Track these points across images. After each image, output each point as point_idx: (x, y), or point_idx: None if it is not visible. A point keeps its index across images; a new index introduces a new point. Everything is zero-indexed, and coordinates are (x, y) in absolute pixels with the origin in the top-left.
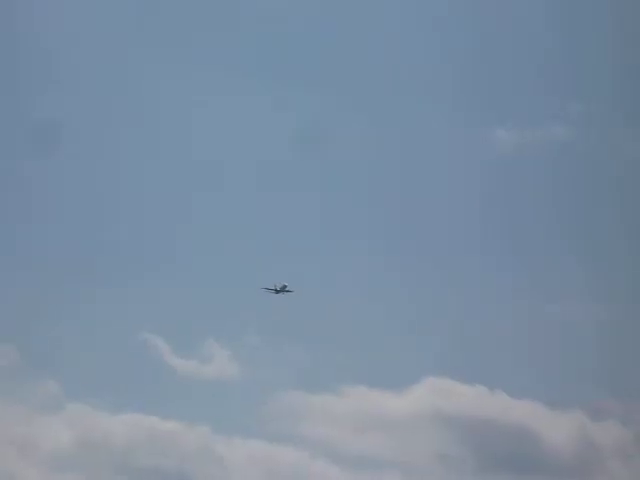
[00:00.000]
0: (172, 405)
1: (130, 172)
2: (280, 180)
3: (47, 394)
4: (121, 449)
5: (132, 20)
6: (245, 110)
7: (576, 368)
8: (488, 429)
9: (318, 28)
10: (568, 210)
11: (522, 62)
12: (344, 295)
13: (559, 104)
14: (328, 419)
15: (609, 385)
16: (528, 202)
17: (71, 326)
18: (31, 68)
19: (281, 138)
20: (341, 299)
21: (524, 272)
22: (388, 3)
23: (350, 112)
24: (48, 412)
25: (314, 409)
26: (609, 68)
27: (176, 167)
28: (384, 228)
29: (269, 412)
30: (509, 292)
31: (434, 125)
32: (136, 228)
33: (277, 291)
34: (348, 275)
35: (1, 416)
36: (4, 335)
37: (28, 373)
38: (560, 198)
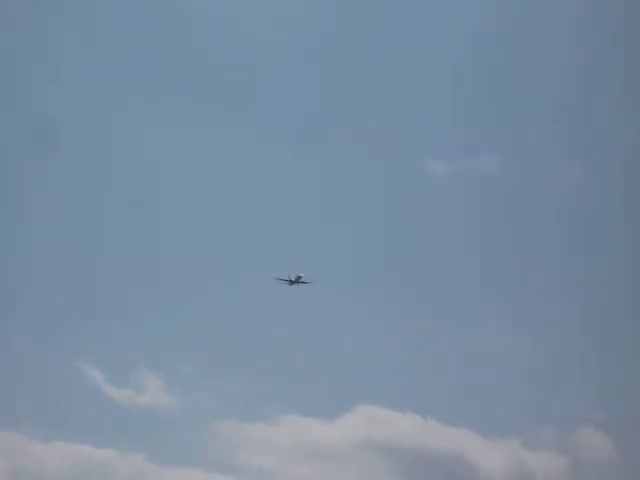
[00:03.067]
0: (106, 434)
1: None
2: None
3: None
4: (54, 477)
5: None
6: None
7: (510, 397)
8: (421, 457)
9: None
10: (496, 240)
11: (454, 93)
12: (277, 324)
13: (489, 133)
14: (263, 448)
15: (543, 414)
16: (457, 231)
17: (4, 354)
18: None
19: None
20: (274, 328)
21: (457, 300)
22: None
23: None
24: None
25: (249, 438)
26: (540, 97)
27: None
28: (320, 258)
29: (204, 441)
30: (441, 321)
31: (367, 158)
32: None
33: (292, 282)
34: (280, 304)
35: None
36: None
37: None
38: (488, 227)
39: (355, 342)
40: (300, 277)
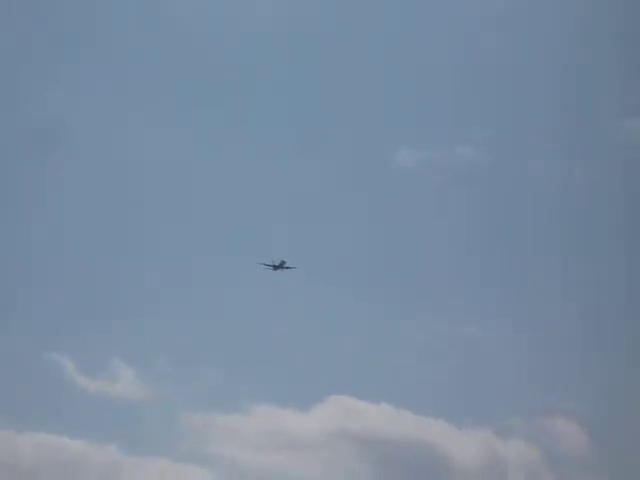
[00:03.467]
0: (79, 425)
1: None
2: None
3: None
4: (28, 468)
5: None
6: None
7: (481, 386)
8: (394, 447)
9: None
10: (475, 230)
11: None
12: (251, 314)
13: (465, 127)
14: (236, 439)
15: (515, 404)
16: (440, 220)
17: None
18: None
19: None
20: (249, 318)
21: (430, 292)
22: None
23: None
24: None
25: (222, 429)
26: (517, 92)
27: None
28: (290, 247)
29: (178, 432)
30: (412, 311)
31: (339, 144)
32: (44, 244)
33: (275, 267)
34: (255, 294)
35: None
36: None
37: None
38: (471, 217)
39: (329, 332)
40: (284, 262)
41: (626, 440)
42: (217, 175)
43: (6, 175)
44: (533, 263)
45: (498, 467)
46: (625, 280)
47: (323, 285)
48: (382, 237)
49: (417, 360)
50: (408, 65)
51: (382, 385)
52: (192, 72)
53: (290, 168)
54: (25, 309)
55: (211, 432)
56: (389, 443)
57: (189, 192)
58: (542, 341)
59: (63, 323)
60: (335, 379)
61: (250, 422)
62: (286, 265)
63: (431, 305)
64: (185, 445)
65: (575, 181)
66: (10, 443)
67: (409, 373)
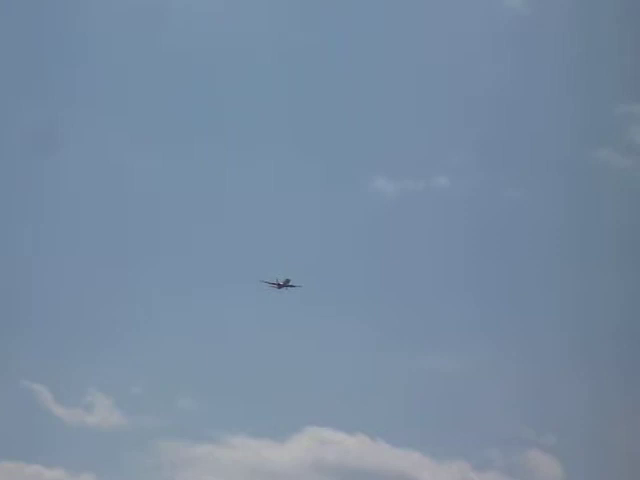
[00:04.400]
0: (55, 453)
1: None
2: None
3: None
4: None
5: None
6: None
7: (459, 419)
8: (370, 479)
9: None
10: (454, 260)
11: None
12: (228, 343)
13: (440, 154)
14: (212, 469)
15: (492, 437)
16: (407, 250)
17: None
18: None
19: None
20: (225, 347)
21: (406, 322)
22: None
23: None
24: None
25: (198, 459)
26: (494, 121)
27: None
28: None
29: (153, 461)
30: (388, 342)
31: (315, 176)
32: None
33: (280, 286)
34: (230, 324)
35: None
36: None
37: None
38: (438, 246)
39: (309, 362)
40: (288, 280)
41: (602, 474)
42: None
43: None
44: (513, 293)
45: None
46: (606, 310)
47: (303, 317)
48: (358, 268)
49: (394, 391)
50: (385, 95)
51: (358, 416)
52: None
53: (268, 198)
54: (1, 337)
55: (187, 462)
56: (365, 474)
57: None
58: (520, 374)
59: (40, 352)
60: (311, 410)
61: (226, 453)
62: (290, 284)
63: (408, 336)
64: (161, 474)
65: (552, 209)
66: None
67: (386, 404)
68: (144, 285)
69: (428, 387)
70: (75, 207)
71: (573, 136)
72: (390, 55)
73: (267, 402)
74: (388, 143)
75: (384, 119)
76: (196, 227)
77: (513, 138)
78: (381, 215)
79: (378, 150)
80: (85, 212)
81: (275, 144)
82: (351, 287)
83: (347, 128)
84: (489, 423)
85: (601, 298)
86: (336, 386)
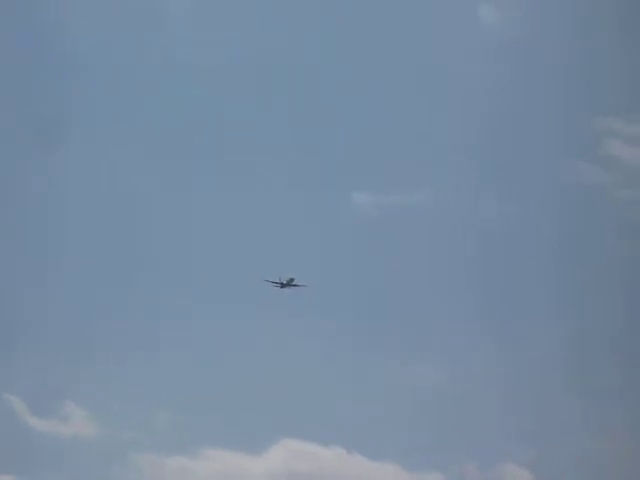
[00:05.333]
0: (28, 464)
1: None
2: None
3: None
4: None
5: None
6: None
7: (435, 431)
8: None
9: None
10: (430, 271)
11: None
12: (204, 355)
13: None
14: None
15: (468, 449)
16: (390, 262)
17: None
18: None
19: None
20: (202, 359)
21: (389, 332)
22: None
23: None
24: None
25: (172, 471)
26: (471, 133)
27: None
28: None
29: (127, 473)
30: (370, 352)
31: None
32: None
33: (283, 285)
34: (207, 336)
35: None
36: None
37: None
38: (422, 259)
39: (278, 373)
40: (292, 280)
41: None
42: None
43: None
44: (493, 308)
45: None
46: (592, 325)
47: (277, 326)
48: (341, 279)
49: (373, 402)
50: (365, 109)
51: (335, 428)
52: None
53: (249, 211)
54: None
55: (161, 474)
56: None
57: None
58: (502, 387)
59: (16, 363)
60: (287, 421)
61: (202, 465)
62: (294, 283)
63: (391, 347)
64: None
65: (532, 222)
66: None
67: (363, 415)
68: (124, 295)
69: (408, 398)
70: (67, 211)
71: (551, 149)
72: (369, 69)
73: (243, 413)
74: (368, 157)
75: (364, 133)
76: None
77: (491, 152)
78: (361, 229)
79: (358, 164)
80: (74, 214)
81: (254, 156)
82: (334, 299)
83: (327, 141)
84: (465, 436)
85: (587, 311)
86: (314, 397)
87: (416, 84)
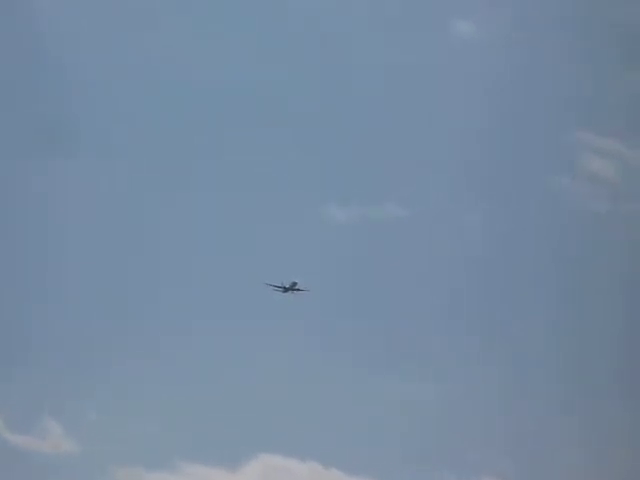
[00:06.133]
0: None
1: None
2: None
3: None
4: None
5: None
6: None
7: (412, 444)
8: None
9: None
10: (401, 285)
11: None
12: (184, 368)
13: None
14: None
15: (445, 461)
16: (367, 277)
17: None
18: None
19: None
20: (181, 372)
21: (359, 347)
22: None
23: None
24: None
25: None
26: (446, 146)
27: None
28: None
29: None
30: (340, 368)
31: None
32: None
33: (285, 289)
34: (185, 350)
35: None
36: None
37: None
38: (395, 273)
39: (255, 388)
40: (295, 284)
41: None
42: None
43: None
44: (468, 322)
45: None
46: (558, 340)
47: (253, 341)
48: (321, 293)
49: (352, 417)
50: (337, 122)
51: (312, 443)
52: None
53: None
54: None
55: None
56: None
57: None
58: (476, 401)
59: None
60: (266, 436)
61: None
62: (297, 287)
63: (375, 362)
64: None
65: (509, 235)
66: None
67: (342, 431)
68: (109, 306)
69: (388, 412)
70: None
71: (529, 163)
72: (344, 83)
73: (222, 428)
74: (341, 169)
75: (337, 145)
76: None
77: (468, 166)
78: (334, 242)
79: (331, 176)
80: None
81: (227, 167)
82: (313, 312)
83: (300, 154)
84: (443, 448)
85: (568, 323)
86: (293, 411)
87: (392, 97)
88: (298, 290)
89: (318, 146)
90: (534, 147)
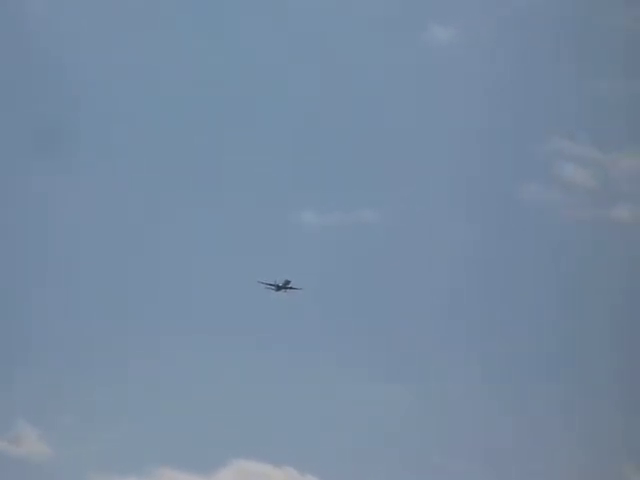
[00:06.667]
0: None
1: None
2: None
3: None
4: None
5: None
6: None
7: (388, 452)
8: None
9: None
10: (374, 292)
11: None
12: (159, 372)
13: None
14: None
15: (418, 470)
16: (336, 283)
17: None
18: None
19: None
20: (155, 376)
21: (332, 350)
22: None
23: None
24: None
25: None
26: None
27: None
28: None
29: None
30: (317, 371)
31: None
32: None
33: (278, 287)
34: (173, 348)
35: None
36: None
37: None
38: (366, 280)
39: (231, 393)
40: (288, 282)
41: None
42: None
43: None
44: (443, 326)
45: None
46: (531, 347)
47: (232, 347)
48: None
49: (321, 422)
50: (310, 128)
51: (288, 449)
52: None
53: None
54: None
55: None
56: None
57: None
58: (457, 406)
59: None
60: (240, 441)
61: None
62: (290, 285)
63: (335, 366)
64: None
65: (482, 243)
66: None
67: (315, 436)
68: (78, 301)
69: (366, 418)
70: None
71: (503, 170)
72: (318, 87)
73: (196, 433)
74: (315, 175)
75: (311, 152)
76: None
77: (443, 171)
78: (308, 248)
79: (305, 182)
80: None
81: (199, 175)
82: (295, 315)
83: (273, 160)
84: (415, 457)
85: (546, 331)
86: (268, 416)
87: (368, 104)
88: (291, 289)
89: (295, 152)
90: (508, 154)
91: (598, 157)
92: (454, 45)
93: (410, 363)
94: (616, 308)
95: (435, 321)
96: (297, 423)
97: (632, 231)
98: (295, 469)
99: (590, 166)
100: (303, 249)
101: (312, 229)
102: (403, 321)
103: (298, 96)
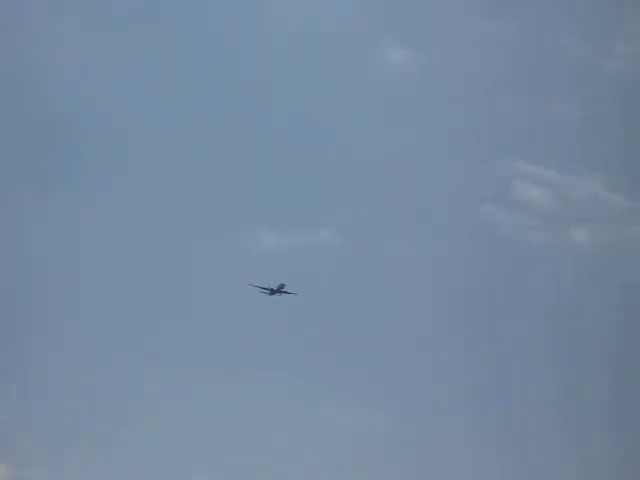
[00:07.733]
0: None
1: None
2: None
3: None
4: None
5: None
6: None
7: (362, 471)
8: None
9: None
10: (332, 315)
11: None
12: (121, 391)
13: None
14: None
15: None
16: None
17: None
18: None
19: None
20: (116, 393)
21: (307, 373)
22: None
23: None
24: None
25: None
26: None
27: None
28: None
29: None
30: (290, 394)
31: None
32: None
33: (273, 291)
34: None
35: None
36: None
37: None
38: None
39: (210, 414)
40: (282, 286)
41: None
42: None
43: None
44: (406, 345)
45: None
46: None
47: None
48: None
49: (289, 442)
50: (270, 148)
51: (248, 467)
52: None
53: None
54: None
55: None
56: None
57: None
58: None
59: None
60: (200, 460)
61: None
62: (284, 290)
63: (310, 389)
64: None
65: (438, 265)
66: None
67: (277, 456)
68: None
69: (329, 439)
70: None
71: (458, 193)
72: (278, 108)
73: (158, 451)
74: (273, 195)
75: (269, 171)
76: None
77: (403, 193)
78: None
79: (263, 202)
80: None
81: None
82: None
83: (232, 180)
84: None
85: (503, 356)
86: (231, 434)
87: (329, 123)
88: (286, 293)
89: (254, 170)
90: (466, 176)
91: (557, 179)
92: (413, 65)
93: (375, 388)
94: (572, 332)
95: (398, 340)
96: (261, 442)
97: (590, 253)
98: None
99: (549, 188)
100: (260, 268)
101: (269, 248)
102: (359, 342)
103: (259, 112)
